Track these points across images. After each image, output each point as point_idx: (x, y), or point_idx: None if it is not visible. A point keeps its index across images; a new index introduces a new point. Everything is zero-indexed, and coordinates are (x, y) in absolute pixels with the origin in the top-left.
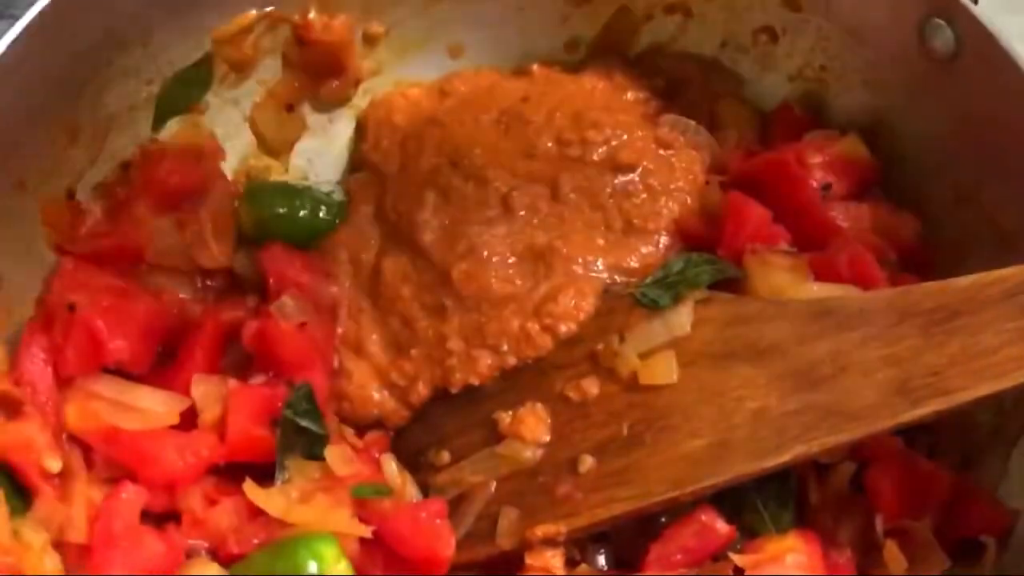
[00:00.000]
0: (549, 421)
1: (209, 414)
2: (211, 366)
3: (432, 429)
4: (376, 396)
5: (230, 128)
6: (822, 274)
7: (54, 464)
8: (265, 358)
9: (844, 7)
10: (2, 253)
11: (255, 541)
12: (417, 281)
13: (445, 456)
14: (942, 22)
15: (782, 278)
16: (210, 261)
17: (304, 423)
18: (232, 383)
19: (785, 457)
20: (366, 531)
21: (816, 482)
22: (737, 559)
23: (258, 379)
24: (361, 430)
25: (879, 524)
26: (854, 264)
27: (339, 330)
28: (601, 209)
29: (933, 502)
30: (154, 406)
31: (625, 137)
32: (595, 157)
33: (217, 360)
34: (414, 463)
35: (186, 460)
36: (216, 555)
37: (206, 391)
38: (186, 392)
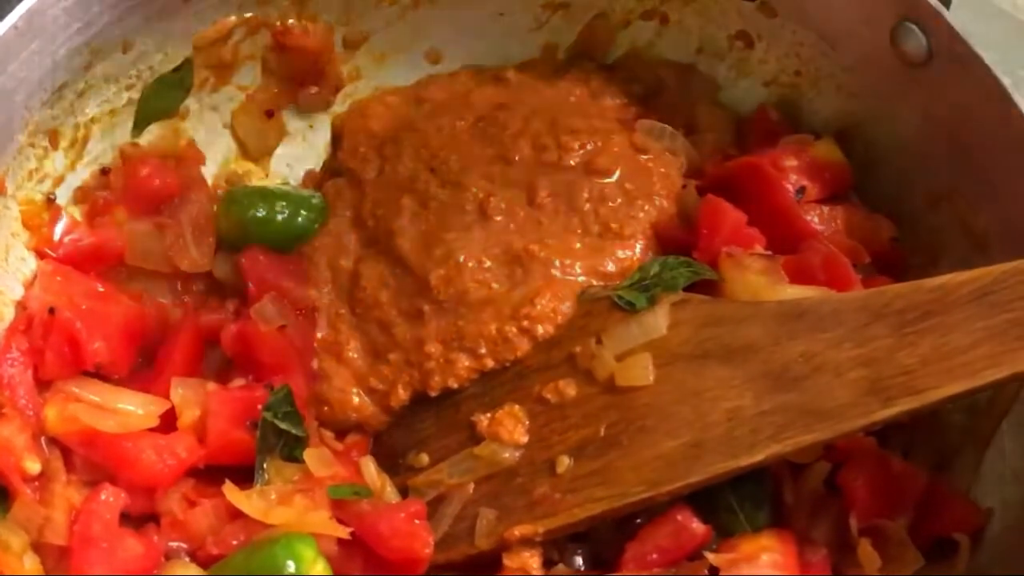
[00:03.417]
0: (527, 423)
1: (188, 417)
2: (190, 369)
3: (411, 432)
4: (355, 400)
5: (210, 133)
6: (797, 276)
7: (33, 466)
8: (244, 361)
9: (818, 12)
10: None
11: (234, 542)
12: (395, 287)
13: (424, 458)
14: (914, 26)
15: (757, 280)
16: (190, 265)
17: (283, 425)
18: (211, 386)
19: (760, 456)
20: (344, 532)
21: (791, 482)
22: (713, 558)
23: (237, 382)
24: (341, 434)
25: (853, 523)
26: (828, 266)
27: (318, 335)
28: (578, 213)
29: (907, 501)
30: (133, 409)
31: (601, 142)
32: (572, 162)
33: (196, 364)
34: (393, 466)
35: (165, 462)
36: (195, 556)
37: (185, 394)
38: (165, 395)
